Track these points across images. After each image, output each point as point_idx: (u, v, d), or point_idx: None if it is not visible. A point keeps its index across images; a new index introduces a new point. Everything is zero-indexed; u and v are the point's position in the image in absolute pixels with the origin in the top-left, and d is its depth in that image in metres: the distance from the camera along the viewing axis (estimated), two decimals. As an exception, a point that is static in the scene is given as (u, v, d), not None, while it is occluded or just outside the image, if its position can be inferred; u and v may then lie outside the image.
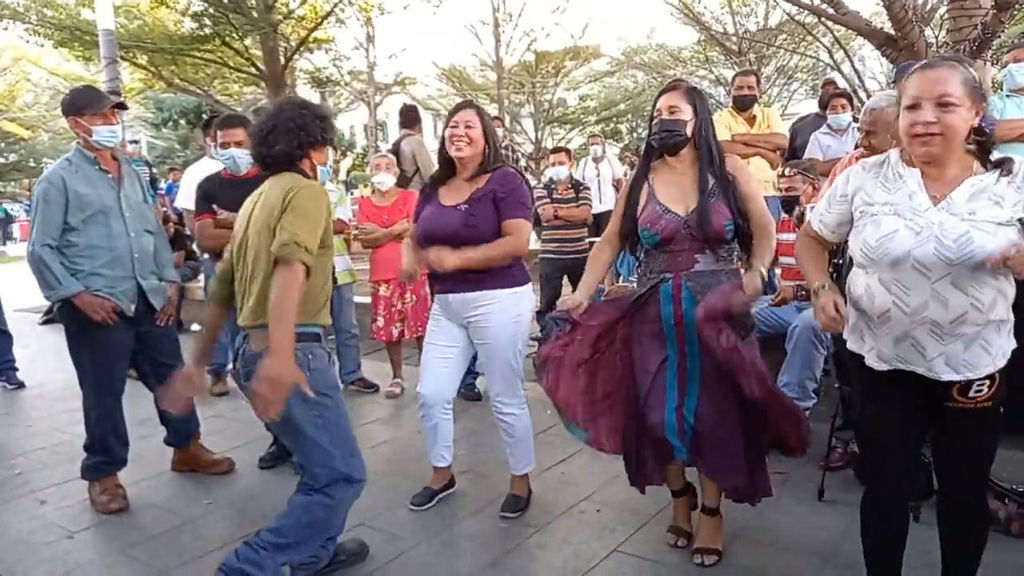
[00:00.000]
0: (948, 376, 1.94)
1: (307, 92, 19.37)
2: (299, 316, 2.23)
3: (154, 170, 7.91)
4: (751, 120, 5.37)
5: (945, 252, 1.86)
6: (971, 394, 1.97)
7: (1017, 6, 5.18)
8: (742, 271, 2.64)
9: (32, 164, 30.50)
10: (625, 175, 16.14)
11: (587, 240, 5.94)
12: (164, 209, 6.48)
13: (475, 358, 3.25)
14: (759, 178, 5.27)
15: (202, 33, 13.96)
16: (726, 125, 5.33)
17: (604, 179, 8.68)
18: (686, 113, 2.57)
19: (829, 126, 5.39)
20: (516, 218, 2.93)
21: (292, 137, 2.40)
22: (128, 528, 3.18)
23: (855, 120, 5.48)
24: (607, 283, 5.42)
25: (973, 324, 1.90)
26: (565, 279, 5.92)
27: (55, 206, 3.16)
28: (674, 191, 2.62)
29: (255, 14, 13.39)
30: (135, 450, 3.55)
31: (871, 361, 2.05)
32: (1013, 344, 2.00)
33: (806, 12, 8.68)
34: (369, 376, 5.19)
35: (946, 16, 6.56)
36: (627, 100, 26.24)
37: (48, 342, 6.75)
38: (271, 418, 2.12)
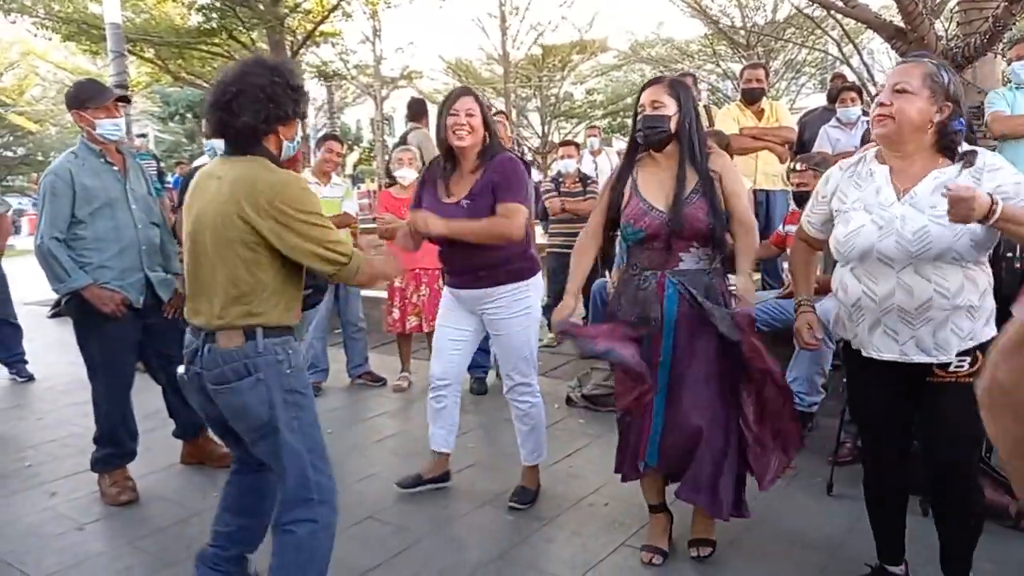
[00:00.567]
0: (920, 358, 2.07)
1: (314, 86, 19.36)
2: (268, 315, 2.09)
3: (161, 164, 7.91)
4: (759, 113, 5.35)
5: (905, 244, 2.00)
6: (952, 368, 2.07)
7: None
8: (732, 278, 2.60)
9: (40, 158, 30.57)
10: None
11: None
12: (172, 203, 6.48)
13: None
14: (767, 172, 5.27)
15: (209, 26, 13.97)
16: (734, 118, 5.32)
17: (602, 173, 8.20)
18: (670, 108, 2.51)
19: (838, 119, 5.35)
20: (509, 201, 2.87)
21: (260, 108, 2.07)
22: (137, 520, 3.20)
23: (864, 113, 5.45)
24: (613, 276, 5.41)
25: (940, 309, 2.02)
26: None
27: (62, 199, 3.16)
28: (657, 187, 2.57)
29: (261, 7, 13.40)
30: (144, 443, 3.56)
31: (856, 345, 2.20)
32: (992, 331, 2.06)
33: (815, 5, 8.61)
34: (376, 370, 5.19)
35: (956, 9, 6.51)
36: (634, 94, 26.09)
37: (57, 335, 6.77)
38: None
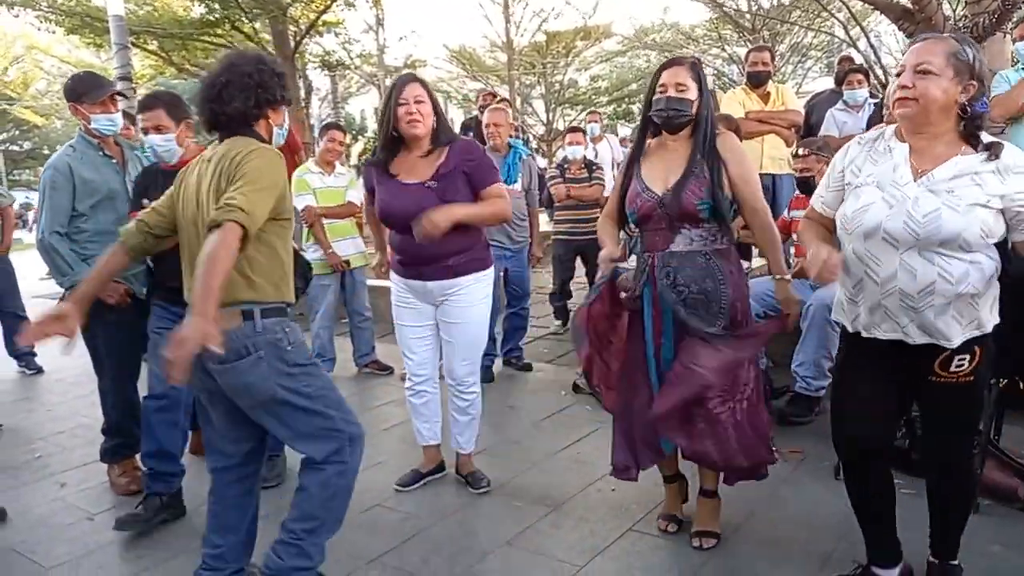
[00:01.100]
0: (922, 339, 2.01)
1: (317, 75, 19.31)
2: (265, 293, 2.13)
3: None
4: (765, 97, 5.30)
5: (913, 226, 1.94)
6: (952, 368, 2.03)
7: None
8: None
9: (46, 152, 30.66)
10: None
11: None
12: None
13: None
14: (773, 155, 5.23)
15: (211, 17, 13.91)
16: (740, 102, 5.27)
17: (603, 161, 7.43)
18: (692, 92, 2.50)
19: (845, 102, 5.31)
20: (493, 184, 2.93)
21: (249, 95, 2.16)
22: (147, 509, 3.21)
23: (872, 96, 5.40)
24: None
25: (942, 296, 1.95)
26: (579, 260, 5.90)
27: (62, 193, 3.17)
28: (660, 169, 2.56)
29: (264, -3, 13.33)
30: (152, 433, 3.57)
31: (855, 328, 2.14)
32: (995, 318, 2.03)
33: (821, -13, 8.52)
34: (383, 359, 5.20)
35: (965, -12, 6.43)
36: (639, 80, 25.95)
37: (65, 328, 6.80)
38: (175, 381, 1.79)
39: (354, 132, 28.75)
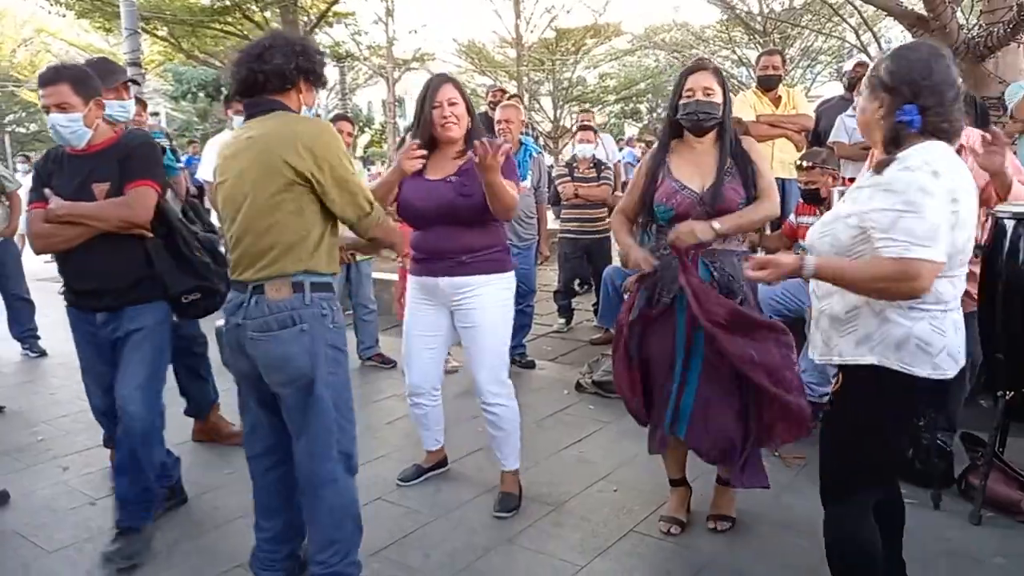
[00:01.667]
0: (811, 353, 2.05)
1: (326, 66, 19.29)
2: (316, 265, 2.18)
3: (173, 143, 7.92)
4: (776, 101, 5.29)
5: (834, 243, 1.91)
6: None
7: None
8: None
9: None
10: (643, 155, 15.99)
11: (607, 220, 5.90)
12: (187, 183, 6.48)
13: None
14: (783, 159, 5.21)
15: (222, 5, 13.94)
16: (751, 105, 5.26)
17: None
18: (718, 95, 2.63)
19: (855, 108, 5.29)
20: (508, 180, 2.79)
21: (290, 57, 2.18)
22: (149, 496, 3.22)
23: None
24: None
25: (819, 312, 1.97)
26: (585, 259, 5.90)
27: None
28: (691, 169, 2.67)
29: (275, -14, 13.33)
30: (156, 420, 3.57)
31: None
32: (862, 355, 1.86)
33: (834, -8, 8.50)
34: (387, 352, 5.20)
35: (980, -3, 6.41)
36: (647, 79, 25.93)
37: (69, 311, 6.81)
38: None
39: (361, 124, 28.72)
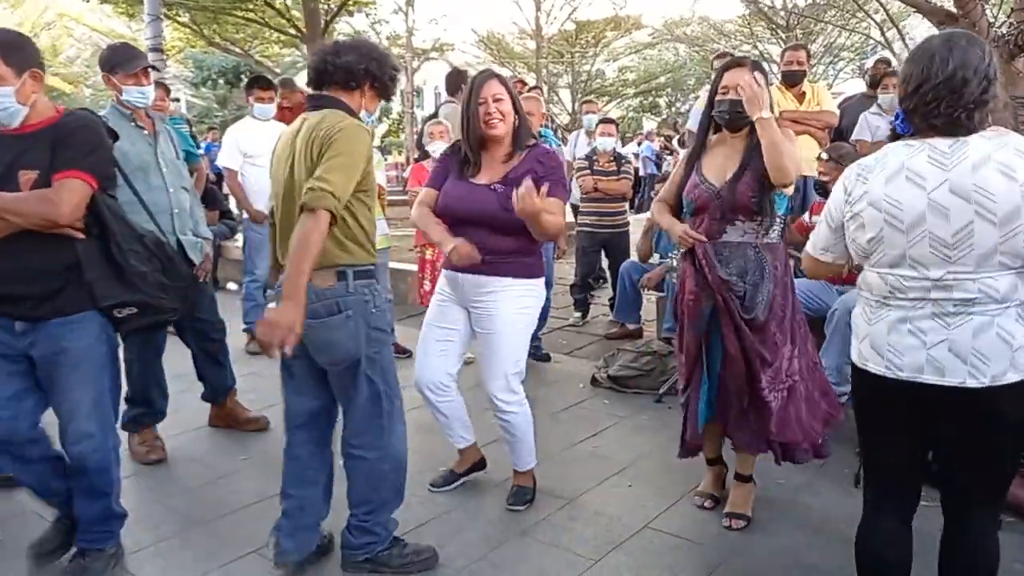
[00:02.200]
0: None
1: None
2: (357, 255, 2.29)
3: (193, 128, 7.94)
4: (800, 97, 5.23)
5: None
6: None
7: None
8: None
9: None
10: (663, 150, 15.84)
11: (626, 215, 5.88)
12: (207, 171, 6.52)
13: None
14: (805, 156, 5.14)
15: (244, -8, 13.97)
16: (775, 101, 5.20)
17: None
18: None
19: (879, 106, 5.23)
20: (558, 196, 2.72)
21: (363, 59, 2.31)
22: (166, 480, 3.25)
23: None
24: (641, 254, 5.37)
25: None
26: (602, 253, 5.88)
27: None
28: (719, 163, 2.74)
29: (297, -26, 13.34)
30: (172, 404, 3.60)
31: None
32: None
33: (860, -13, 8.38)
34: (402, 342, 5.20)
35: (1011, -7, 6.29)
36: (667, 73, 25.82)
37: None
38: (276, 354, 2.06)
39: (379, 113, 28.75)
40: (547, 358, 4.99)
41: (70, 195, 2.22)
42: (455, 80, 6.45)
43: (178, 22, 14.87)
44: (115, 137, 2.52)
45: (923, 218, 1.74)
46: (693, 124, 5.59)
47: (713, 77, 2.80)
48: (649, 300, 5.52)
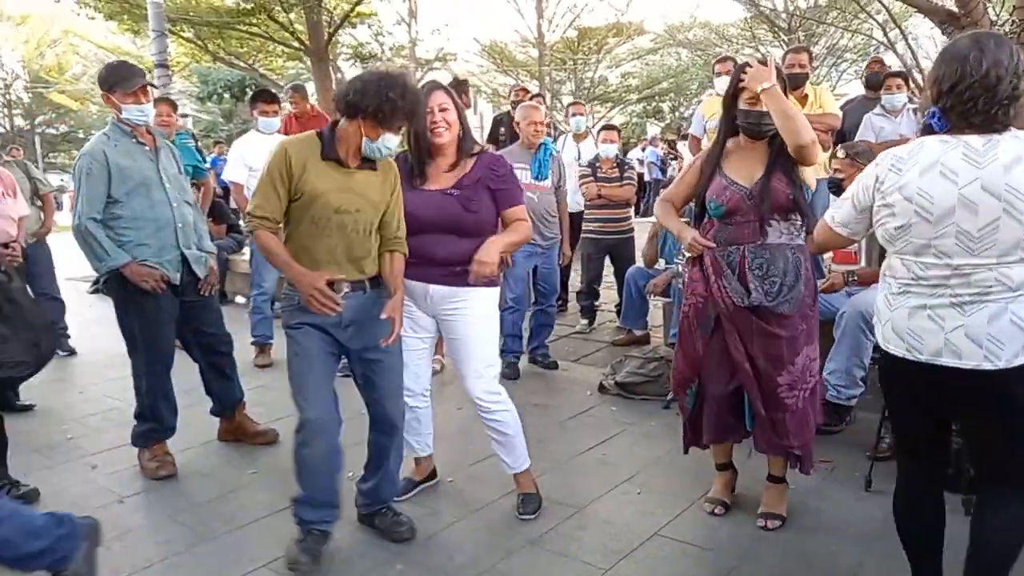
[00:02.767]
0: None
1: (349, 67, 19.41)
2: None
3: (198, 143, 7.99)
4: (803, 99, 5.21)
5: None
6: None
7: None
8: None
9: (82, 135, 31.16)
10: (667, 155, 15.83)
11: (631, 221, 5.88)
12: (214, 185, 6.55)
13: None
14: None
15: (247, 7, 14.05)
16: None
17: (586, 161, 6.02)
18: None
19: (883, 107, 5.23)
20: (518, 205, 2.87)
21: (347, 90, 2.49)
22: (176, 495, 3.26)
23: (910, 100, 5.31)
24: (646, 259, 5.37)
25: None
26: (608, 259, 5.87)
27: (98, 180, 3.20)
28: (741, 165, 2.74)
29: (300, -13, 13.42)
30: (182, 419, 3.60)
31: None
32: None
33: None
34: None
35: (1013, -8, 6.28)
36: (670, 78, 25.82)
37: (98, 310, 6.91)
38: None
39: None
40: (554, 365, 4.98)
41: None
42: (455, 89, 6.43)
43: (183, 38, 14.99)
44: None
45: (952, 211, 1.85)
46: (696, 128, 5.61)
47: (730, 80, 2.78)
48: (656, 306, 5.51)
